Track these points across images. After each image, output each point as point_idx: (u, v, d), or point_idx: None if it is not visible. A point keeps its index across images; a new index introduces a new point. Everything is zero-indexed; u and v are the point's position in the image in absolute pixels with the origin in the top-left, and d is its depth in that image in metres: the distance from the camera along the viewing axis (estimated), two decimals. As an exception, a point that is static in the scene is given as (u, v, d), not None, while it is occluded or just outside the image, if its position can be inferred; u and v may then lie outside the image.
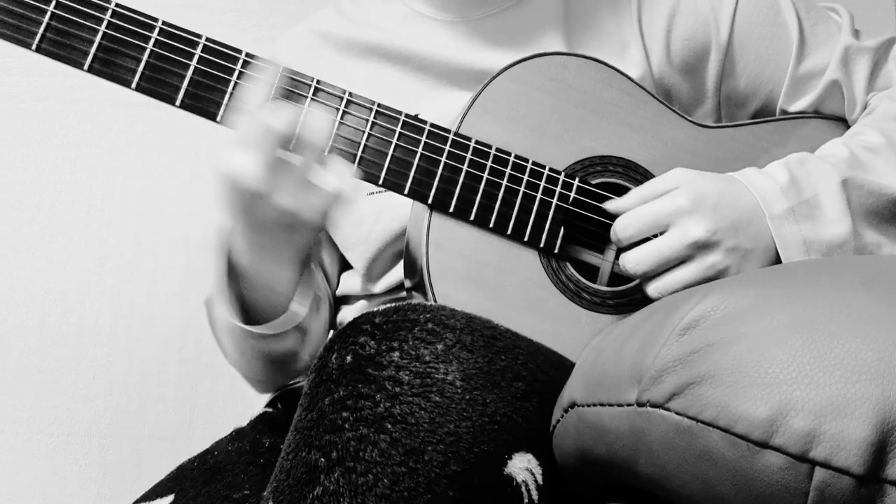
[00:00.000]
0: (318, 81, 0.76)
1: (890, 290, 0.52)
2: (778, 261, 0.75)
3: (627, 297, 0.81)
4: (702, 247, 0.74)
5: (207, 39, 0.74)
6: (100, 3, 0.72)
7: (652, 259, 0.74)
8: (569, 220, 0.81)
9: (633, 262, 0.75)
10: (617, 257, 0.83)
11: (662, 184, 0.77)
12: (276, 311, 0.80)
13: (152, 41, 0.72)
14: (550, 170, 0.80)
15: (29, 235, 1.31)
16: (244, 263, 0.77)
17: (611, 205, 0.79)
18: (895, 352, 0.47)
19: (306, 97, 0.75)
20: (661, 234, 0.75)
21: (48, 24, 0.71)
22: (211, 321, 0.89)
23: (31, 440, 1.28)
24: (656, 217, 0.75)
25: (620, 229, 0.77)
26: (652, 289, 0.75)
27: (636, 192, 0.78)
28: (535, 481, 0.61)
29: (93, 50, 0.71)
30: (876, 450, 0.45)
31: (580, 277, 0.81)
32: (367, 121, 0.76)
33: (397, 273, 0.90)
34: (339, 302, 0.98)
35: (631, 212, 0.76)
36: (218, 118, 0.73)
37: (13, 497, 1.27)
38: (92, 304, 1.31)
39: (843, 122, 0.92)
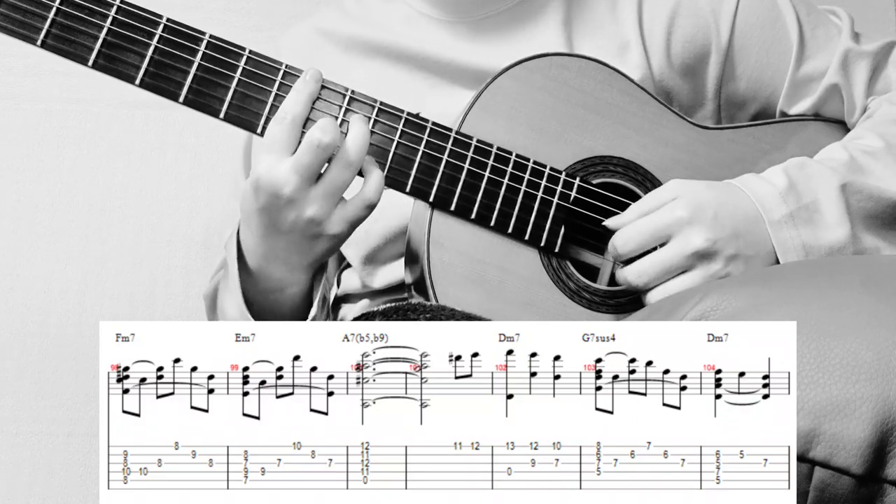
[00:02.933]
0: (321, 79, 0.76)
1: (889, 290, 0.52)
2: None
3: (627, 296, 0.81)
4: (703, 256, 0.74)
5: (211, 37, 0.74)
6: None
7: (654, 270, 0.75)
8: (569, 219, 0.81)
9: (635, 274, 0.75)
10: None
11: (660, 196, 0.77)
12: (283, 308, 0.80)
13: (157, 37, 0.73)
14: (551, 169, 0.80)
15: (29, 235, 1.31)
16: (255, 266, 0.78)
17: (611, 222, 0.79)
18: (894, 352, 0.47)
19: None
20: (662, 245, 0.75)
21: (53, 20, 0.71)
22: (211, 314, 0.91)
23: (31, 440, 1.28)
24: (656, 229, 0.75)
25: (621, 244, 0.77)
26: (654, 298, 0.76)
27: (635, 208, 0.78)
28: None
29: (97, 46, 0.72)
30: (875, 450, 0.45)
31: (580, 276, 0.81)
32: (370, 119, 0.76)
33: (397, 270, 0.90)
34: (340, 300, 0.98)
35: (630, 226, 0.76)
36: (221, 115, 0.74)
37: (13, 497, 1.27)
38: (92, 304, 1.31)
39: (843, 125, 0.92)
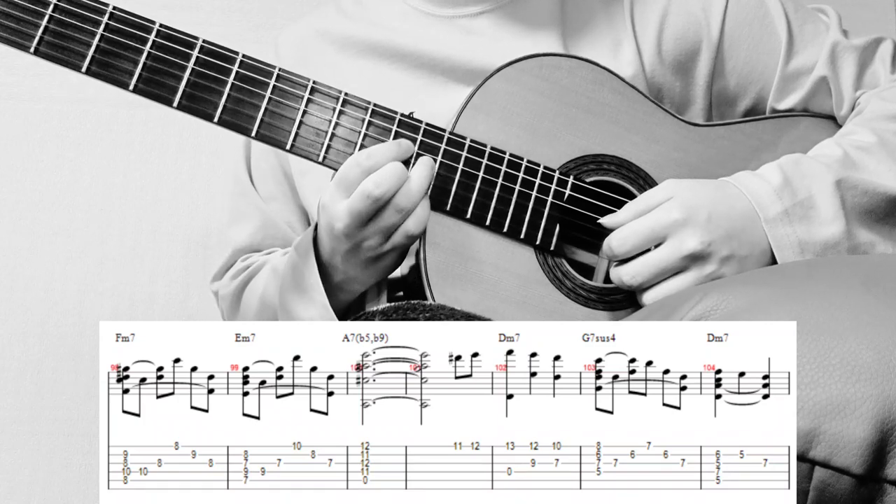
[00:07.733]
0: (314, 82, 0.76)
1: (889, 289, 0.52)
2: (773, 263, 0.75)
3: (623, 293, 0.82)
4: (697, 258, 0.74)
5: (205, 41, 0.74)
6: (97, 6, 0.72)
7: (648, 271, 0.75)
8: (564, 217, 0.81)
9: (629, 274, 0.76)
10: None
11: (656, 196, 0.77)
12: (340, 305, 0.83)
13: (150, 43, 0.73)
14: (545, 168, 0.80)
15: (29, 235, 1.31)
16: (326, 265, 0.81)
17: (606, 220, 0.79)
18: (894, 352, 0.47)
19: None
20: (657, 246, 0.76)
21: (46, 27, 0.71)
22: (232, 314, 0.94)
23: (31, 440, 1.28)
24: (652, 230, 0.76)
25: (617, 245, 0.77)
26: (648, 298, 0.76)
27: (630, 207, 0.78)
28: None
29: (90, 52, 0.72)
30: (875, 449, 0.45)
31: (576, 274, 0.81)
32: (364, 120, 0.77)
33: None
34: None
35: (627, 226, 0.77)
36: (214, 119, 0.74)
37: (13, 497, 1.27)
38: (92, 304, 1.31)
39: (833, 122, 0.93)
